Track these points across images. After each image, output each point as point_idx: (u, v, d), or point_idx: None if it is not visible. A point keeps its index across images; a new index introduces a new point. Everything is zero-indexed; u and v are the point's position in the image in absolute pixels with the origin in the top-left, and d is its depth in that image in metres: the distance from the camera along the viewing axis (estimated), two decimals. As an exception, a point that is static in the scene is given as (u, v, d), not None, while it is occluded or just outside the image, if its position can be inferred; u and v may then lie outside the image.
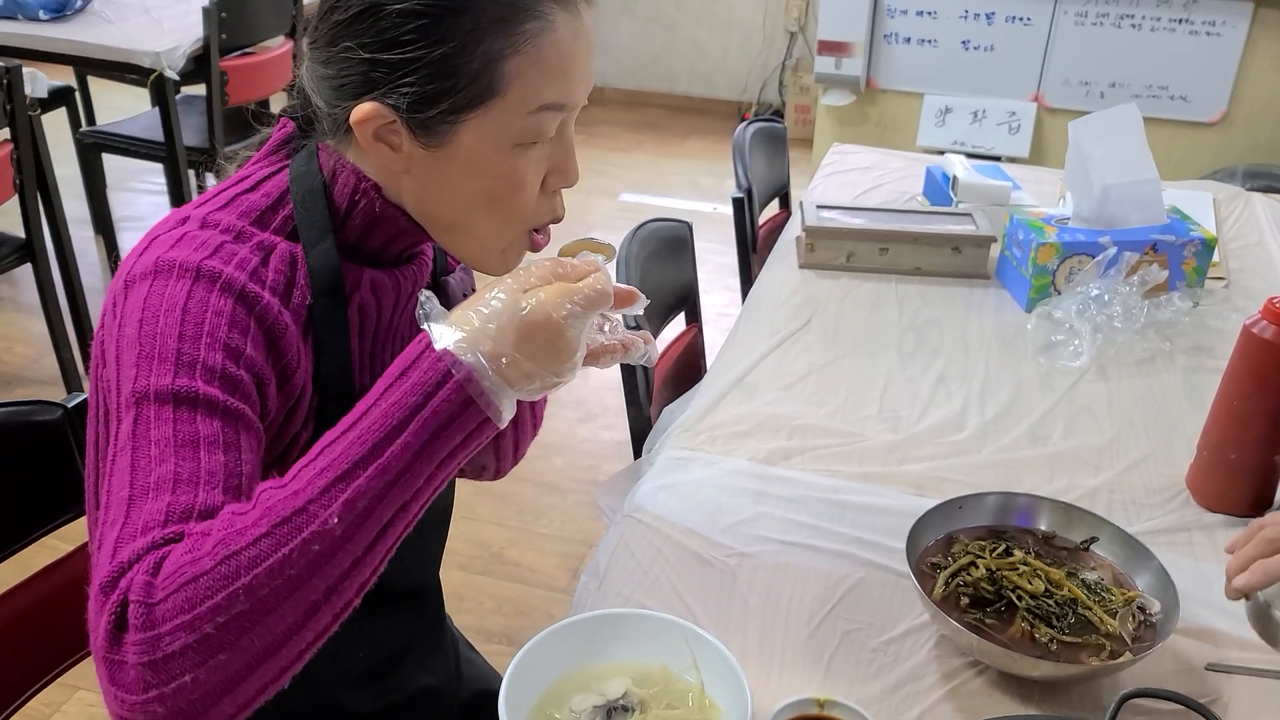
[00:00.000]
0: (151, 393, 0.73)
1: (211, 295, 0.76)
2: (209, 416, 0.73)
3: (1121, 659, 0.99)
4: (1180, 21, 3.41)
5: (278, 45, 3.37)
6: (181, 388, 0.73)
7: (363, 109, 0.81)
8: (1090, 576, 1.09)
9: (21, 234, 2.70)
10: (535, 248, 0.90)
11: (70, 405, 1.11)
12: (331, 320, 0.86)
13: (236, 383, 0.76)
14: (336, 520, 0.65)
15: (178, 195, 3.38)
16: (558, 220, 0.90)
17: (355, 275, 0.88)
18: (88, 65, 3.22)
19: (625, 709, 0.93)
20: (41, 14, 2.96)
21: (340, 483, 0.66)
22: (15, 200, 2.64)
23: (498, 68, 0.79)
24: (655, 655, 0.96)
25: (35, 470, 1.11)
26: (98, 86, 4.12)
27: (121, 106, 3.94)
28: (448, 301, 1.01)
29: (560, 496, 2.67)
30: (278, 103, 3.71)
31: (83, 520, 1.10)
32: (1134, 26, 3.45)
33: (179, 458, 0.70)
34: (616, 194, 4.55)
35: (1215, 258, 1.81)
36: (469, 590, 2.36)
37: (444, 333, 0.71)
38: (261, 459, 0.78)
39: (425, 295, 0.74)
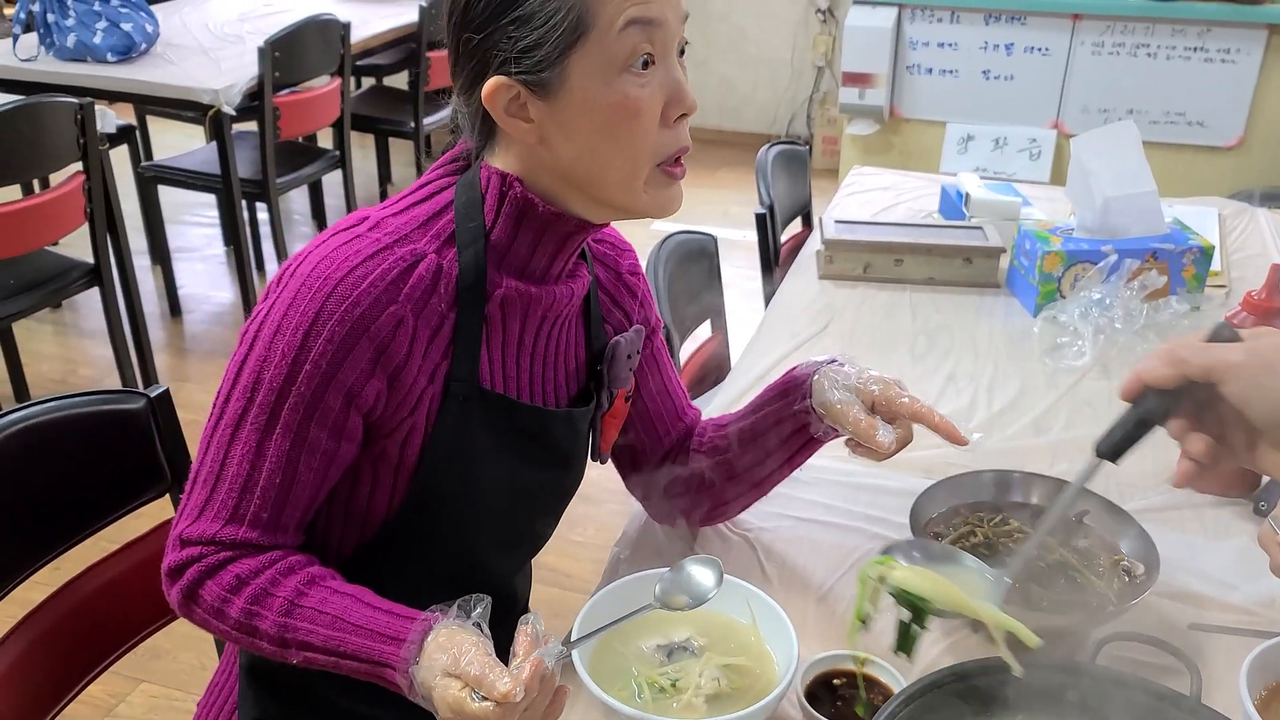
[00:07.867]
0: (258, 400, 0.93)
1: (329, 324, 0.92)
2: (286, 438, 0.94)
3: (1107, 611, 1.08)
4: (1195, 50, 3.51)
5: (324, 83, 3.55)
6: (279, 410, 0.93)
7: (488, 86, 0.93)
8: (1081, 544, 1.18)
9: (89, 260, 2.86)
10: (674, 178, 0.99)
11: (153, 395, 1.24)
12: (468, 320, 0.98)
13: (319, 411, 0.94)
14: (295, 660, 0.94)
15: (231, 225, 3.56)
16: (685, 150, 0.98)
17: (497, 280, 0.99)
18: (150, 103, 3.40)
19: (686, 649, 1.05)
20: (109, 56, 3.16)
21: (301, 648, 0.93)
22: (83, 230, 2.81)
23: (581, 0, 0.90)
24: (716, 609, 1.07)
25: (118, 455, 1.23)
26: (155, 126, 4.33)
27: (175, 145, 4.14)
28: (616, 360, 1.12)
29: (594, 506, 2.78)
30: (324, 138, 3.88)
31: (157, 503, 1.26)
32: (1150, 55, 3.55)
33: (254, 467, 0.94)
34: (648, 222, 4.67)
35: (1216, 266, 1.90)
36: (508, 594, 2.46)
37: (427, 653, 0.87)
38: (352, 455, 0.98)
39: (481, 598, 0.90)
